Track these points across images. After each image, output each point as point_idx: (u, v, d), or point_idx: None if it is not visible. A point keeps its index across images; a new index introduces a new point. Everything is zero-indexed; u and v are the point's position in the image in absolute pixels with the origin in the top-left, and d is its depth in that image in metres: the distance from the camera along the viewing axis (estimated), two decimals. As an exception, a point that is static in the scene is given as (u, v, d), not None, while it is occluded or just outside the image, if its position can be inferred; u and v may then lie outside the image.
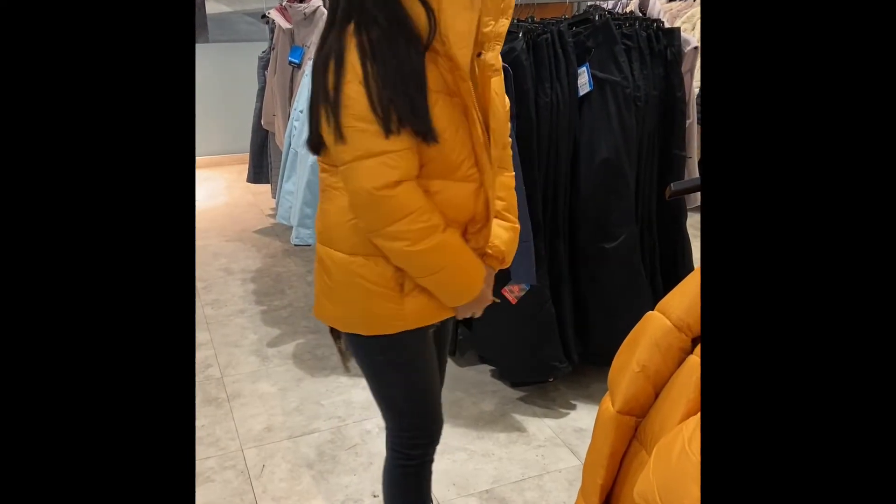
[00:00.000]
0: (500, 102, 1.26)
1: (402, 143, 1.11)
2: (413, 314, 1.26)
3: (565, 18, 2.29)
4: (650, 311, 1.03)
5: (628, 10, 3.55)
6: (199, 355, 2.70)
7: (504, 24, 1.23)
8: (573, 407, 2.39)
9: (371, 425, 2.27)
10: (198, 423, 2.30)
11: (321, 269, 1.30)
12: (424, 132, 1.12)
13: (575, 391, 2.46)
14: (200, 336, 2.83)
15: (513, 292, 2.30)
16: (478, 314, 1.37)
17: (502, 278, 2.29)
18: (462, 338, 2.63)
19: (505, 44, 2.15)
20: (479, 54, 1.22)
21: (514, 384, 2.49)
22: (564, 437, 2.23)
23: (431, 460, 1.45)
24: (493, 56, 1.22)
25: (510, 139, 1.40)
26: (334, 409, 2.36)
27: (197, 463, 2.11)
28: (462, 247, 1.23)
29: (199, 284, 3.28)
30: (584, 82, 2.19)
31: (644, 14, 2.98)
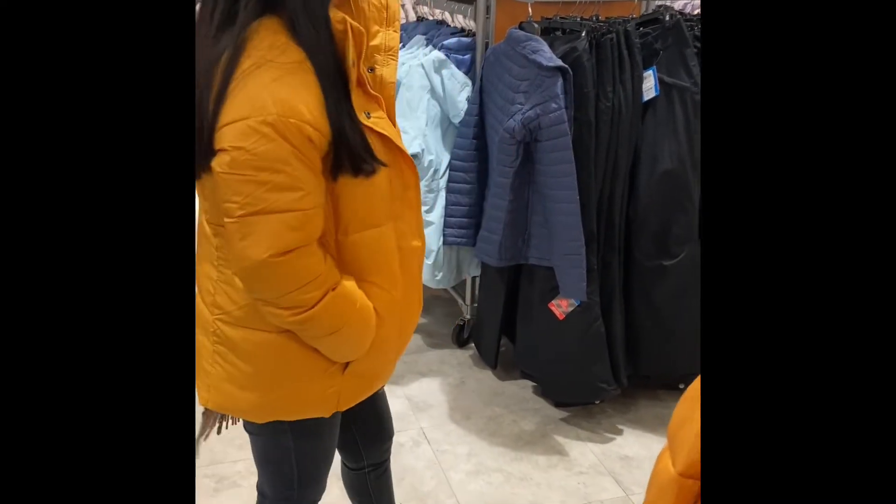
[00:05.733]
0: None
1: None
2: (349, 392, 1.16)
3: (632, 18, 2.15)
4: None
5: (698, 11, 3.36)
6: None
7: (394, 37, 1.09)
8: (619, 432, 2.24)
9: (405, 438, 2.17)
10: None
11: (232, 354, 1.10)
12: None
13: (622, 415, 2.32)
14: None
15: (560, 307, 2.17)
16: None
17: (550, 291, 2.17)
18: (504, 349, 2.51)
19: (566, 43, 2.03)
20: (372, 69, 1.07)
21: (558, 404, 2.36)
22: (609, 465, 2.09)
23: None
24: (390, 72, 1.08)
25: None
26: (368, 417, 2.28)
27: (225, 466, 2.05)
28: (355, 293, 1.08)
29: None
30: (649, 86, 2.04)
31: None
